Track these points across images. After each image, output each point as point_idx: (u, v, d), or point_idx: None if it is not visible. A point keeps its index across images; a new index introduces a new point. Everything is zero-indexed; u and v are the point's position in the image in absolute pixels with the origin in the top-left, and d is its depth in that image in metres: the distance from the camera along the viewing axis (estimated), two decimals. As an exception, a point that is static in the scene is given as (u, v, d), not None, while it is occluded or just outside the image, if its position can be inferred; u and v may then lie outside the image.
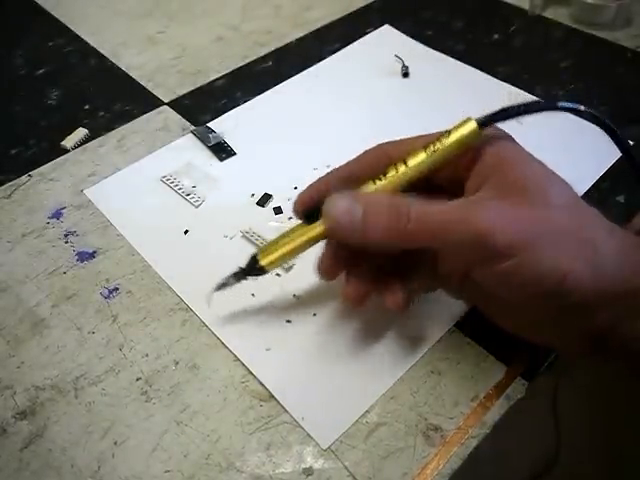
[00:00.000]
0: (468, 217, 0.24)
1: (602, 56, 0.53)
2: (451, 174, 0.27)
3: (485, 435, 0.28)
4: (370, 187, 0.27)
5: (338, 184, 0.29)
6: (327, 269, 0.29)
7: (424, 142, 0.27)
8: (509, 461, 0.27)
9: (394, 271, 0.29)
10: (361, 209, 0.26)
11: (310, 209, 0.29)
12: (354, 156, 0.29)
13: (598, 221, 0.25)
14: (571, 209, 0.25)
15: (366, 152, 0.29)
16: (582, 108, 0.26)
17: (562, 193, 0.25)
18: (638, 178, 0.28)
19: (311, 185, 0.30)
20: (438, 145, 0.26)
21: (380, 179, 0.27)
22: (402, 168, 0.27)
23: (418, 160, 0.27)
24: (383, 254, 0.29)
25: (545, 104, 0.26)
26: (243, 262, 0.30)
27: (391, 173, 0.27)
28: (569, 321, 0.25)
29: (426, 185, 0.28)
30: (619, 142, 0.27)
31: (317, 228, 0.28)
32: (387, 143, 0.29)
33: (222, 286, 0.31)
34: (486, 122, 0.26)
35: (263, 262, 0.30)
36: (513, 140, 0.27)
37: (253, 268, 0.30)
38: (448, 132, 0.26)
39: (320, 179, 0.30)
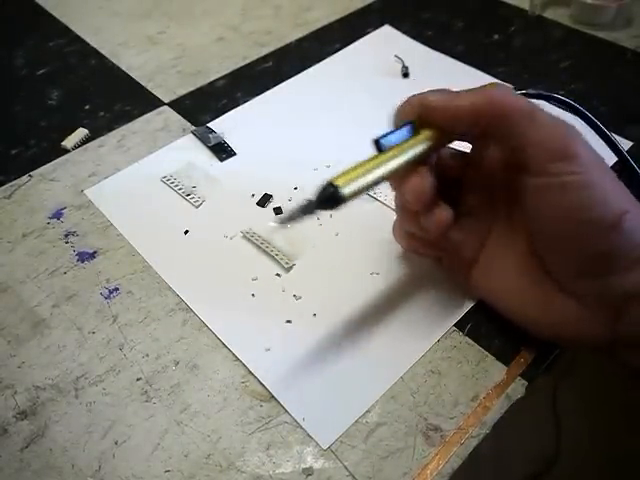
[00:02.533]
0: (556, 120, 0.26)
1: (602, 56, 0.53)
2: None
3: (485, 435, 0.28)
4: None
5: None
6: (423, 195, 0.29)
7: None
8: (509, 461, 0.27)
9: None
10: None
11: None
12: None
13: None
14: None
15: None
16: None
17: None
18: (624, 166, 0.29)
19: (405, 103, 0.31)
20: None
21: None
22: None
23: None
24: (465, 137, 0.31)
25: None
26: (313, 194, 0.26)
27: None
28: (602, 269, 0.25)
29: None
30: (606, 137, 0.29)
31: (415, 139, 0.28)
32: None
33: (289, 219, 0.26)
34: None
35: (339, 182, 0.26)
36: None
37: (328, 194, 0.25)
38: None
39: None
